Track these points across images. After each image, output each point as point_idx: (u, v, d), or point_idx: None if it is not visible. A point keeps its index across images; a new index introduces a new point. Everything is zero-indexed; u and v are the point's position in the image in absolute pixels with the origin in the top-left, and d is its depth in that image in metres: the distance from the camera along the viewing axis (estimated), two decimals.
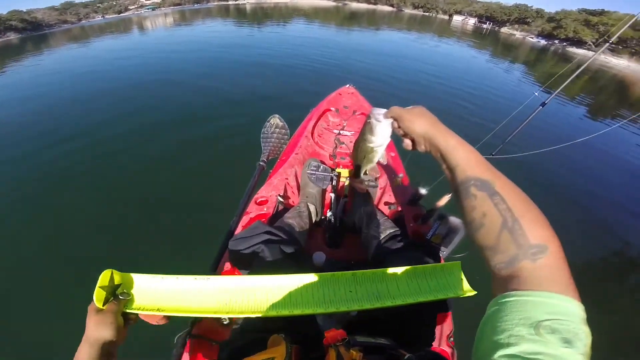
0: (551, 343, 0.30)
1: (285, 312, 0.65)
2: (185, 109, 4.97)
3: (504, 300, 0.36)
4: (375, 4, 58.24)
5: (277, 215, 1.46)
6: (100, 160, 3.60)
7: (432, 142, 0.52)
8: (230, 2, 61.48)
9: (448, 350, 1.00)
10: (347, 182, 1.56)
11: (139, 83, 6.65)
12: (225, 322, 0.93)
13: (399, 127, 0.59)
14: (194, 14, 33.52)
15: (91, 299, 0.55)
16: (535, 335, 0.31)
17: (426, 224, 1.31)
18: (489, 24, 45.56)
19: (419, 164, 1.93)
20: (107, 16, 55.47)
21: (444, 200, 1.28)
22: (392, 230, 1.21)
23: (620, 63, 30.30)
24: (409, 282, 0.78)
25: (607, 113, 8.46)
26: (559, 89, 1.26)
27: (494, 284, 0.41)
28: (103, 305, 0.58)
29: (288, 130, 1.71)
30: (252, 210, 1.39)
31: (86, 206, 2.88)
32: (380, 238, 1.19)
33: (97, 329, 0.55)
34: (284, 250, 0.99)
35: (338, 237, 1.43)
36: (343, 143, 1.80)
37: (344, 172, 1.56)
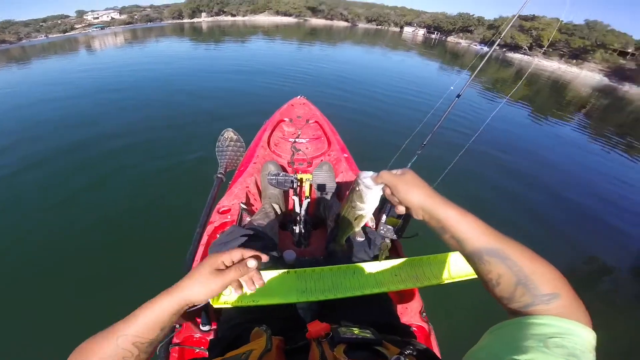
0: (557, 355, 0.33)
1: (322, 297, 0.81)
2: (134, 130, 4.75)
3: (520, 320, 0.41)
4: (331, 19, 60.62)
5: (242, 221, 1.52)
6: (52, 179, 3.41)
7: (431, 213, 0.53)
8: (185, 21, 60.68)
9: (423, 325, 1.07)
10: (307, 185, 1.67)
11: (84, 102, 6.30)
12: (205, 329, 0.95)
13: (392, 194, 0.59)
14: (147, 32, 32.22)
15: None
16: (543, 347, 0.34)
17: (382, 210, 1.44)
18: (437, 34, 49.06)
19: (370, 159, 2.09)
20: (50, 36, 52.22)
21: None
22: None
23: (552, 65, 33.75)
24: (410, 269, 0.93)
25: (545, 111, 9.42)
26: (470, 79, 1.44)
27: (510, 316, 0.46)
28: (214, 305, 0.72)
29: (243, 143, 1.77)
30: (216, 219, 1.44)
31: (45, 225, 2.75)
32: (332, 225, 1.29)
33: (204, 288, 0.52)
34: (263, 249, 1.04)
35: (305, 237, 1.50)
36: (299, 150, 1.92)
37: (304, 177, 1.67)
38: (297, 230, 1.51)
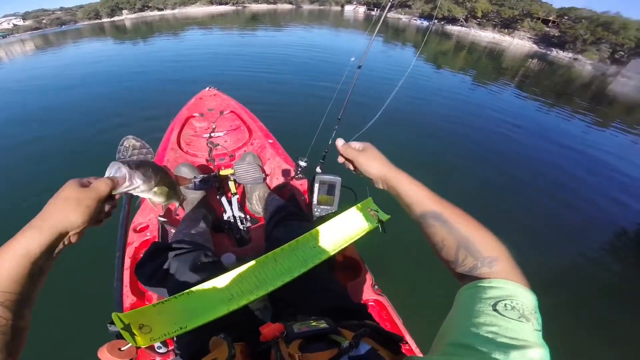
0: (508, 318, 0.36)
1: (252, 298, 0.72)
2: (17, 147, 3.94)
3: (469, 288, 0.43)
4: (274, 3, 58.42)
5: (165, 235, 1.37)
6: None
7: (388, 184, 0.59)
8: (104, 20, 55.01)
9: (378, 297, 1.08)
10: (231, 180, 1.54)
11: None
12: (161, 351, 0.89)
13: (355, 169, 0.65)
14: (60, 37, 27.89)
15: None
16: (493, 311, 0.37)
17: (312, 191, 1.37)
18: (377, 10, 49.61)
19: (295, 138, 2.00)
20: None
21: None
22: (278, 205, 1.26)
23: (487, 35, 35.93)
24: (324, 236, 0.85)
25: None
26: (368, 48, 1.36)
27: (461, 282, 0.48)
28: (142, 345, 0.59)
29: (150, 149, 1.54)
30: (134, 239, 1.29)
31: None
32: (268, 217, 1.24)
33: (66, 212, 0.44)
34: (196, 259, 0.93)
35: (245, 235, 1.42)
36: (218, 144, 1.77)
37: (226, 172, 1.54)
38: (234, 230, 1.40)
